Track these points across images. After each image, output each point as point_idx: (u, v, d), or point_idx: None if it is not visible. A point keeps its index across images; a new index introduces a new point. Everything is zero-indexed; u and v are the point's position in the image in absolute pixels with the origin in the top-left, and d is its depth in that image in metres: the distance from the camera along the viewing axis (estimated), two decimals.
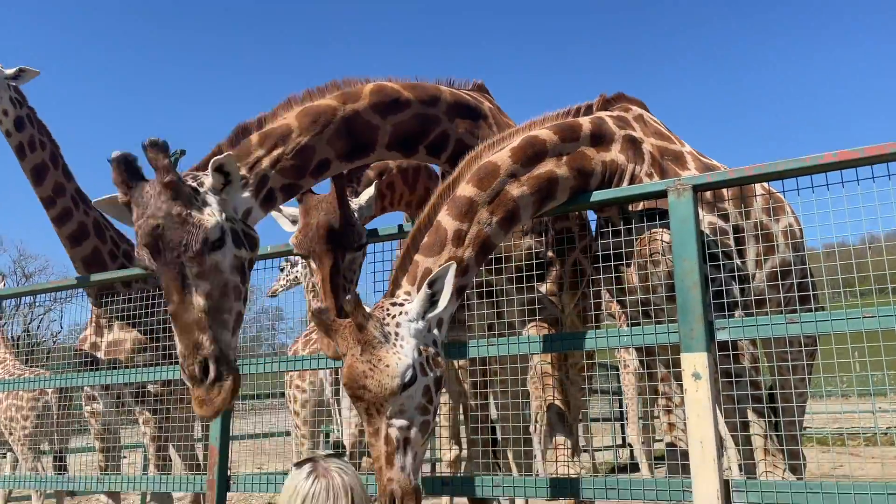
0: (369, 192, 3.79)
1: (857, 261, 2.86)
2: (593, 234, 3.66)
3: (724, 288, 3.10)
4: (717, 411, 3.00)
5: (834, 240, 3.03)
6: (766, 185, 3.58)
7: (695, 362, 2.88)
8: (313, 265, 3.39)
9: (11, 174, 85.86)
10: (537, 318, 3.65)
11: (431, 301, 2.82)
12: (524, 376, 4.60)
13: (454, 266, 2.83)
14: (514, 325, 3.84)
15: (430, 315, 2.82)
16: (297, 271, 8.02)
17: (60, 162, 5.18)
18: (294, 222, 3.62)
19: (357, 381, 2.65)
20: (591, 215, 3.78)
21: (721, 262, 3.14)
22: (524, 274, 3.66)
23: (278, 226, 3.81)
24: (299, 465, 2.07)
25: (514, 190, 3.07)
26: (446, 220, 2.96)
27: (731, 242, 3.28)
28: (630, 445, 10.81)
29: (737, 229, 3.33)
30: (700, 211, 3.21)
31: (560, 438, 3.60)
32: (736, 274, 3.23)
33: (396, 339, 2.74)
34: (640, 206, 3.29)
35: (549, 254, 3.74)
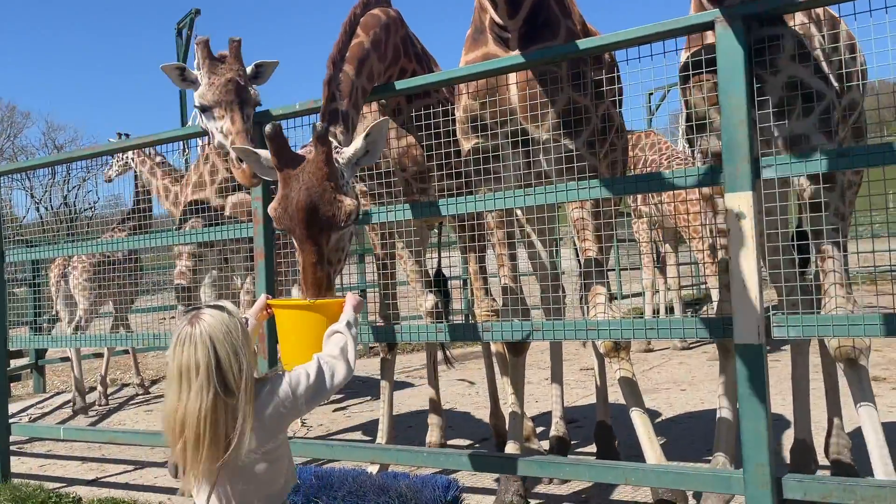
0: (357, 143, 3.11)
1: None
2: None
3: (830, 115, 3.02)
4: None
5: (892, 72, 2.87)
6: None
7: (739, 201, 2.84)
8: (295, 242, 2.96)
9: (37, 45, 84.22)
10: (575, 165, 3.59)
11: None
12: (552, 226, 4.61)
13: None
14: (549, 175, 3.79)
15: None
16: (129, 156, 7.81)
17: None
18: (271, 168, 3.06)
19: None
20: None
21: (828, 85, 3.06)
22: (562, 120, 3.57)
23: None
24: (188, 310, 2.18)
25: None
26: None
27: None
28: (657, 292, 10.99)
29: (827, 56, 3.20)
30: (812, 28, 3.10)
31: (599, 287, 3.65)
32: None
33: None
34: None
35: (587, 104, 3.62)
